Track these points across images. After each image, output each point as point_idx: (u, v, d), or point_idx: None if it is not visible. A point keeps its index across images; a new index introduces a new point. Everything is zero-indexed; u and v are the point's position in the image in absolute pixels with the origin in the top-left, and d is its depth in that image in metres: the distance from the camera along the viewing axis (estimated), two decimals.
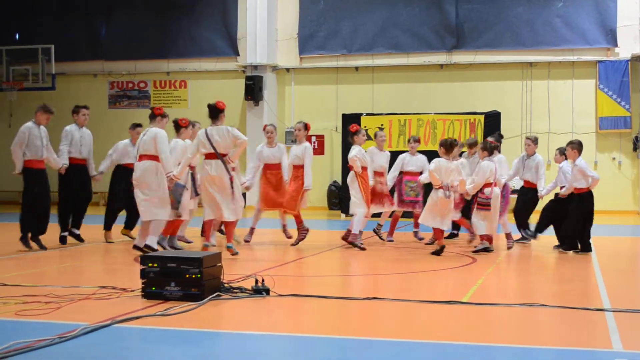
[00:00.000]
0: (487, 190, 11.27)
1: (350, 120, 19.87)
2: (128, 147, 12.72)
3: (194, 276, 7.10)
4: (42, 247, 11.60)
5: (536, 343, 5.77)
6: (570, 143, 11.61)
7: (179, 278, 7.13)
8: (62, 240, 12.27)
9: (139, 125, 12.75)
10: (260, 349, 5.62)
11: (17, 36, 25.10)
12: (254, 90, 22.28)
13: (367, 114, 20.11)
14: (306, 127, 12.31)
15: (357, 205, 11.83)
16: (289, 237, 12.68)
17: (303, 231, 12.34)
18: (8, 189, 24.62)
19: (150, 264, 7.22)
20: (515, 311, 6.93)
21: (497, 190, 11.39)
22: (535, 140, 12.88)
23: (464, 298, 7.46)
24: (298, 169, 12.20)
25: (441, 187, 11.01)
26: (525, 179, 12.81)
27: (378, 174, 12.56)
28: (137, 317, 6.35)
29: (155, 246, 10.56)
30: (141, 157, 10.57)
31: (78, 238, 12.45)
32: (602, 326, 6.26)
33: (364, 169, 11.93)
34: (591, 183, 11.27)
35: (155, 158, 10.50)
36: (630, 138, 21.03)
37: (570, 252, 11.55)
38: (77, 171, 12.29)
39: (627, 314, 6.73)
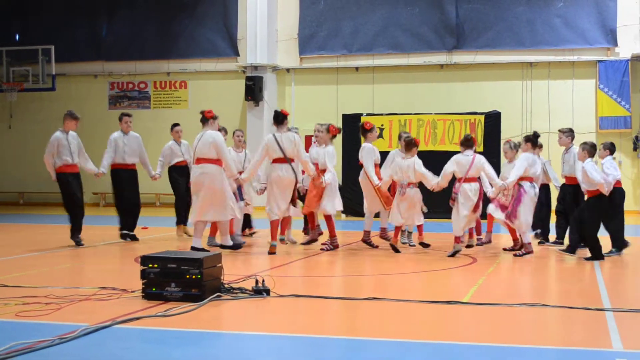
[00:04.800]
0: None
1: (351, 121, 19.89)
2: (173, 147, 13.71)
3: (194, 277, 7.10)
4: (79, 244, 12.10)
5: (537, 343, 5.77)
6: (583, 144, 11.00)
7: (179, 279, 7.13)
8: (123, 236, 13.04)
9: (177, 124, 13.92)
10: (261, 349, 5.62)
11: (17, 37, 25.12)
12: (254, 91, 22.31)
13: (368, 114, 20.07)
14: (328, 130, 12.22)
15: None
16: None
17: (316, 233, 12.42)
18: (8, 190, 24.67)
19: (150, 265, 7.22)
20: (515, 311, 6.93)
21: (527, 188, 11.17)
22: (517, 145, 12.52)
23: (465, 298, 7.46)
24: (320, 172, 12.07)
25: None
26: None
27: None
28: (138, 318, 6.36)
29: (229, 243, 11.25)
30: (199, 161, 10.96)
31: (133, 238, 13.05)
32: (602, 326, 6.26)
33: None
34: (598, 186, 10.60)
35: (215, 161, 10.93)
36: (631, 138, 21.04)
37: (574, 256, 11.11)
38: (125, 176, 13.00)
39: (627, 314, 6.73)
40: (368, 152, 11.89)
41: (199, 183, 10.95)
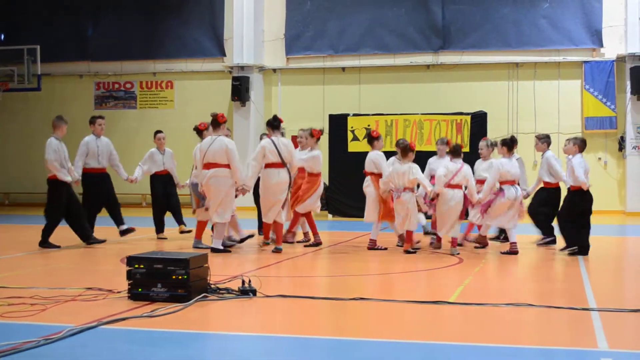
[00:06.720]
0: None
1: (337, 121, 19.92)
2: (155, 155, 13.46)
3: (180, 277, 7.09)
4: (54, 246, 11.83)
5: (523, 343, 5.79)
6: (574, 139, 11.40)
7: (165, 279, 7.12)
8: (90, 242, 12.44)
9: (160, 131, 13.72)
10: (247, 350, 5.61)
11: (2, 37, 24.98)
12: (240, 91, 22.29)
13: (354, 115, 20.11)
14: (312, 134, 12.33)
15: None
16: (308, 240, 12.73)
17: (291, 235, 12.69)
18: None
19: (136, 265, 7.20)
20: (501, 311, 6.95)
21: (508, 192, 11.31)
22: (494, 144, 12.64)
23: (451, 298, 7.47)
24: (310, 175, 12.38)
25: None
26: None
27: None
28: (124, 319, 6.34)
29: (220, 247, 11.19)
30: (209, 166, 11.03)
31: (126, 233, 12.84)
32: (588, 325, 6.29)
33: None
34: (581, 184, 10.93)
35: (226, 166, 11.03)
36: (616, 138, 21.14)
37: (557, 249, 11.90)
38: (99, 179, 12.65)
39: (612, 313, 6.76)
40: (381, 160, 11.90)
41: (211, 186, 11.04)
